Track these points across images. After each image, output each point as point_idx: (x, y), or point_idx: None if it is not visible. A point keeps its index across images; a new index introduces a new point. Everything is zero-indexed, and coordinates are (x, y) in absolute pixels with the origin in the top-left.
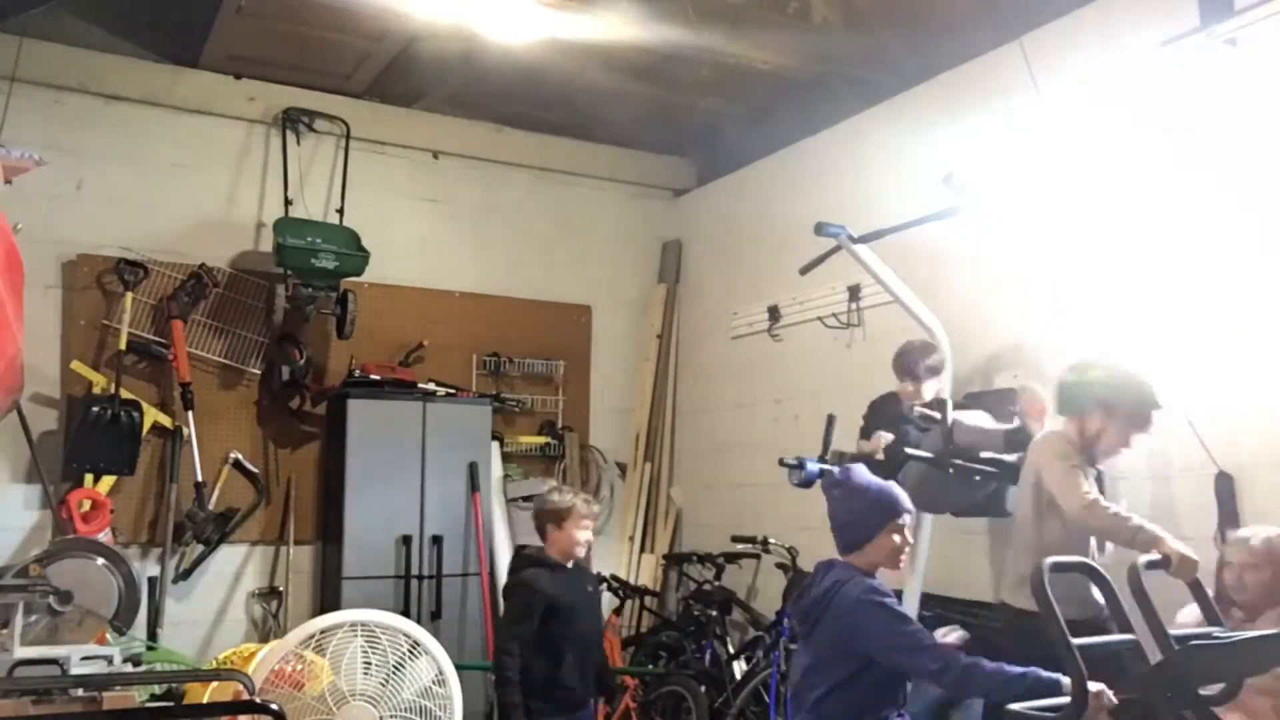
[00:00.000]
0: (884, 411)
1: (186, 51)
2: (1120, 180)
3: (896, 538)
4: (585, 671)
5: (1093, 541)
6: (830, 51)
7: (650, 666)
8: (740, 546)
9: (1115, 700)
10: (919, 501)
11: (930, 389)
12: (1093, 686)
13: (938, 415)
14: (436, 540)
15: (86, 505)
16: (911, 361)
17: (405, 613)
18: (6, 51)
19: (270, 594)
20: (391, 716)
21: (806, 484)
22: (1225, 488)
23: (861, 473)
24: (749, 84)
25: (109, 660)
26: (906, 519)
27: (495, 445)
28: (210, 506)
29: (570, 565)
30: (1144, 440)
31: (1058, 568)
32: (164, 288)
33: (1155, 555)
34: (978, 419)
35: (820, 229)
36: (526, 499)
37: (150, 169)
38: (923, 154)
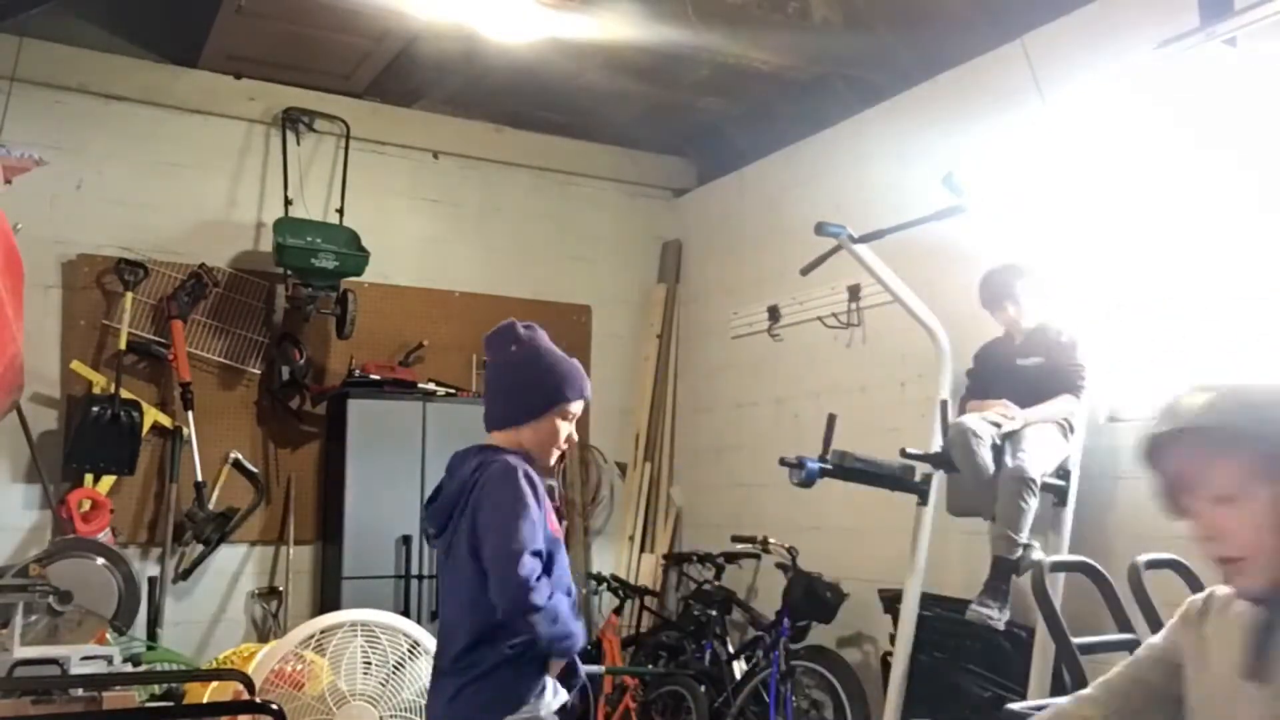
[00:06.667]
0: (990, 361)
1: (186, 51)
2: (1121, 180)
3: (561, 424)
4: None
5: None
6: (830, 51)
7: (650, 666)
8: (740, 546)
9: None
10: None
11: (1033, 311)
12: None
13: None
14: None
15: (86, 505)
16: (1003, 281)
17: (405, 613)
18: (6, 51)
19: (270, 594)
20: (391, 716)
21: (807, 484)
22: None
23: (546, 338)
24: (749, 84)
25: (109, 660)
26: (578, 406)
27: None
28: (210, 506)
29: None
30: None
31: (1057, 567)
32: (164, 288)
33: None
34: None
35: (820, 229)
36: None
37: (150, 169)
38: (923, 154)
